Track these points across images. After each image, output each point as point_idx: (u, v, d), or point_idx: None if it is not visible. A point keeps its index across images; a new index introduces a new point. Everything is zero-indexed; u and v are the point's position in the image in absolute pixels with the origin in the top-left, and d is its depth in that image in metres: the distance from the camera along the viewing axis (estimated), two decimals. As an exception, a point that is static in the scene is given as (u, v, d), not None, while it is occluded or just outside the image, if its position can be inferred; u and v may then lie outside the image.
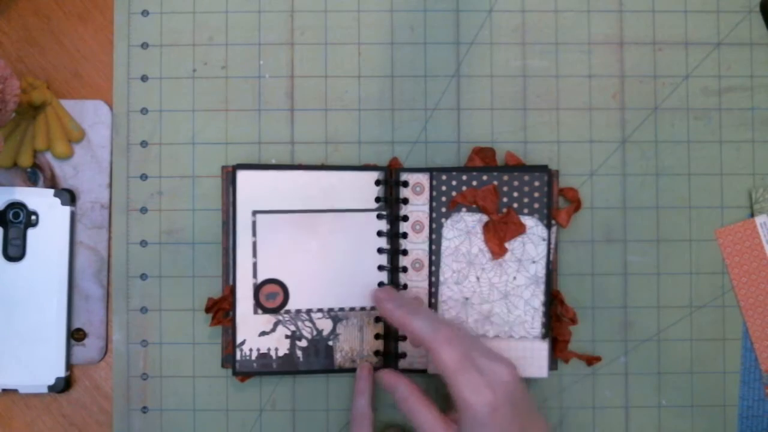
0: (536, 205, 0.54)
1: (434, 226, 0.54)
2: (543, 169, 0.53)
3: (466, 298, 0.54)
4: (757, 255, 0.55)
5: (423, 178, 0.54)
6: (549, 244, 0.54)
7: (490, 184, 0.54)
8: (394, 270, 0.54)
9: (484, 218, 0.54)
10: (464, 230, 0.54)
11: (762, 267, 0.55)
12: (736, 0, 0.56)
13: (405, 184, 0.54)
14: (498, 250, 0.53)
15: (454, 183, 0.54)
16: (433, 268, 0.54)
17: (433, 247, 0.54)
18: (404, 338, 0.54)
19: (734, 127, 0.56)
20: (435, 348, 0.45)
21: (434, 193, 0.54)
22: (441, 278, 0.54)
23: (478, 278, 0.54)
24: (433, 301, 0.54)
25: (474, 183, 0.54)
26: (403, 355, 0.54)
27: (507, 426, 0.44)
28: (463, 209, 0.54)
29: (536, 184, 0.53)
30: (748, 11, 0.56)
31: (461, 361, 0.45)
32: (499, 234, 0.53)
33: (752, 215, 0.55)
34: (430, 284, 0.54)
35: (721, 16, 0.56)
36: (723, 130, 0.56)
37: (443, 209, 0.54)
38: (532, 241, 0.54)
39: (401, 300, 0.50)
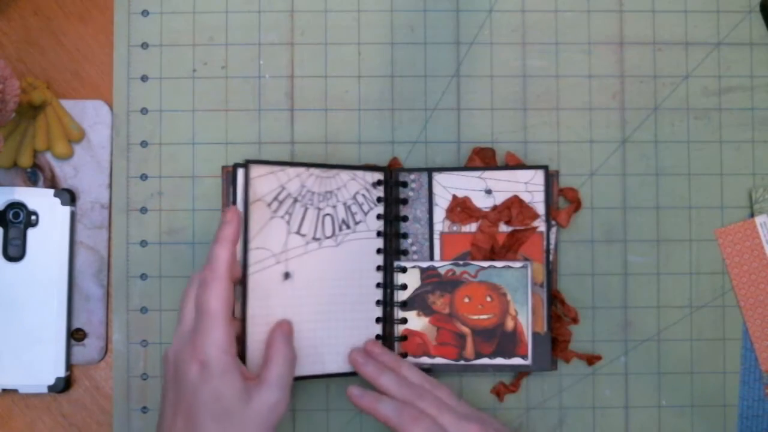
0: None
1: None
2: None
3: None
4: (757, 255, 0.55)
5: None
6: (548, 243, 0.54)
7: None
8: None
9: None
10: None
11: (762, 267, 0.55)
12: (736, 0, 0.56)
13: (404, 184, 0.54)
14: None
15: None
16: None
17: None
18: (404, 338, 0.54)
19: (734, 127, 0.56)
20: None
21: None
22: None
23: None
24: None
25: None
26: (404, 356, 0.54)
27: None
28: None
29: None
30: (748, 11, 0.56)
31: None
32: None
33: (752, 215, 0.55)
34: None
35: (721, 16, 0.56)
36: (723, 130, 0.56)
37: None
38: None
39: (381, 365, 0.51)
